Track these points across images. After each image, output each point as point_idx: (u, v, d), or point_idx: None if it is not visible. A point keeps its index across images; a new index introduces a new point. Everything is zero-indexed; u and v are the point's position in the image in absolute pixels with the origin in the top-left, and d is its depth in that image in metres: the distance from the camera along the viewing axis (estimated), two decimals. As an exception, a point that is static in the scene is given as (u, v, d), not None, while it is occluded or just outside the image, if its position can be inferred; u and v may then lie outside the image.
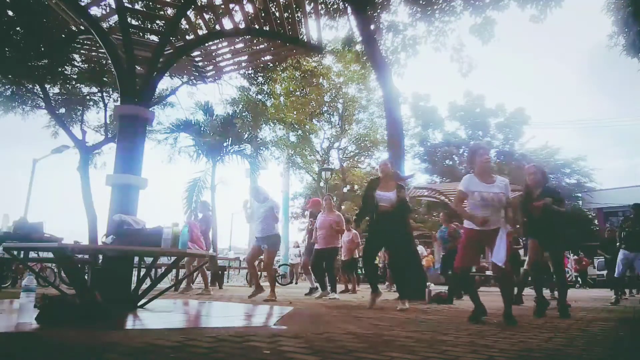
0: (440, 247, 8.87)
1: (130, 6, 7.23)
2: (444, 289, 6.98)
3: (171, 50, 5.93)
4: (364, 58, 10.51)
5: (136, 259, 5.96)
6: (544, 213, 4.45)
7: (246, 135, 16.49)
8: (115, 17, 5.92)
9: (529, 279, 5.41)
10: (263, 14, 6.22)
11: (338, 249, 7.26)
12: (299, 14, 6.61)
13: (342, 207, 22.67)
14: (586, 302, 7.57)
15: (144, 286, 4.49)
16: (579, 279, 19.19)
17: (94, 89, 12.11)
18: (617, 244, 7.59)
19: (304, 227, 8.46)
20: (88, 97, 12.41)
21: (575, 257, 19.73)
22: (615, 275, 7.62)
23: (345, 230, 7.94)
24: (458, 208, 4.01)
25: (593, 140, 77.22)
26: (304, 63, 13.86)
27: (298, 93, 17.50)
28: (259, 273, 12.65)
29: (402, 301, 4.85)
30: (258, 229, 6.23)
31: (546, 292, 7.25)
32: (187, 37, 6.79)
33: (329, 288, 6.94)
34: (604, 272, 15.49)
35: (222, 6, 6.62)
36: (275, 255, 6.72)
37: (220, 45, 6.74)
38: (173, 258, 5.05)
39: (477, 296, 3.90)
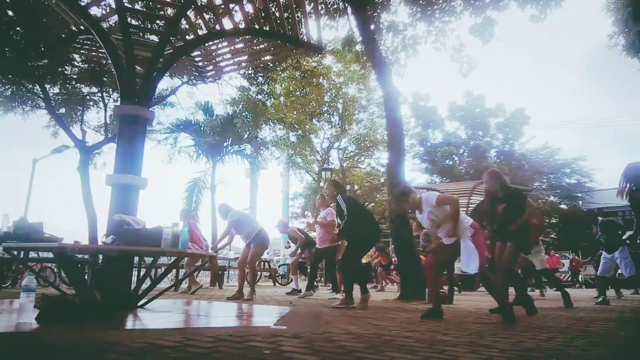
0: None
1: (130, 6, 7.22)
2: (443, 288, 6.98)
3: (171, 50, 5.92)
4: (364, 58, 10.51)
5: (136, 259, 5.96)
6: (503, 216, 4.48)
7: (246, 135, 16.49)
8: (115, 17, 5.92)
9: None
10: (263, 14, 6.22)
11: (336, 247, 7.22)
12: (299, 14, 6.61)
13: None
14: (586, 302, 7.57)
15: (144, 286, 4.49)
16: (579, 278, 19.22)
17: (94, 89, 12.11)
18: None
19: (304, 227, 8.51)
20: (88, 97, 12.41)
21: (571, 257, 19.77)
22: (598, 274, 7.73)
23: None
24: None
25: (593, 140, 77.29)
26: (304, 63, 13.85)
27: (298, 93, 17.49)
28: (259, 274, 12.70)
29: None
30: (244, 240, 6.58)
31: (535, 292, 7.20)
32: (187, 37, 6.79)
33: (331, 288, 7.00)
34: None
35: (222, 6, 6.62)
36: (260, 253, 6.79)
37: (220, 45, 6.74)
38: (173, 258, 5.05)
39: (439, 297, 4.17)
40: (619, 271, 7.63)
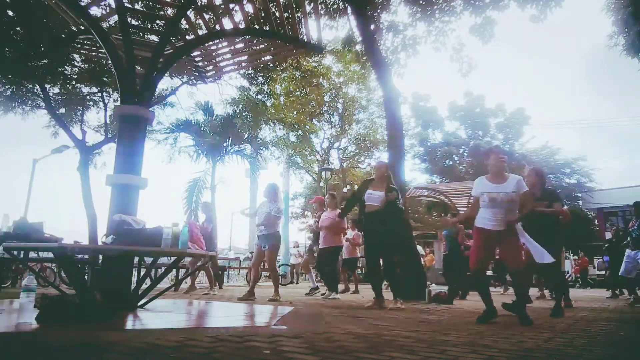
0: (445, 246, 8.87)
1: (130, 6, 7.21)
2: (444, 289, 6.98)
3: (171, 50, 5.92)
4: (364, 58, 10.51)
5: (136, 259, 5.95)
6: (538, 217, 4.40)
7: (246, 135, 16.48)
8: (115, 17, 5.92)
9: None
10: (263, 14, 6.21)
11: (339, 248, 7.22)
12: (299, 14, 6.60)
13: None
14: (586, 302, 7.57)
15: (144, 286, 4.49)
16: (579, 279, 19.20)
17: (94, 89, 12.09)
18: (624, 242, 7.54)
19: (304, 227, 8.51)
20: (88, 97, 12.39)
21: (575, 257, 19.74)
22: (620, 274, 7.47)
23: (347, 229, 7.95)
24: (471, 212, 4.06)
25: (593, 140, 77.28)
26: (304, 63, 13.84)
27: (298, 93, 17.49)
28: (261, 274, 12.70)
29: (396, 301, 4.87)
30: (260, 229, 6.32)
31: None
32: (187, 37, 6.79)
33: (327, 288, 6.95)
34: (604, 272, 15.48)
35: (222, 6, 6.62)
36: (276, 254, 6.67)
37: (220, 45, 6.74)
38: (173, 258, 5.05)
39: (489, 298, 3.88)
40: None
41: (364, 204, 5.10)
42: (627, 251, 7.29)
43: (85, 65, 10.75)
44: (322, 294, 7.06)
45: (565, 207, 5.99)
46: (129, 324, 3.30)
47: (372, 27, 8.78)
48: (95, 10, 6.79)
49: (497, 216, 3.72)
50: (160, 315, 3.82)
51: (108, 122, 12.48)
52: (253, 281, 6.62)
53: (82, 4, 5.45)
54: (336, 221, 6.83)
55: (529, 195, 3.86)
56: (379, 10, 9.69)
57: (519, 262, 3.87)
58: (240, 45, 7.01)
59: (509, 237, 3.75)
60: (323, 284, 7.36)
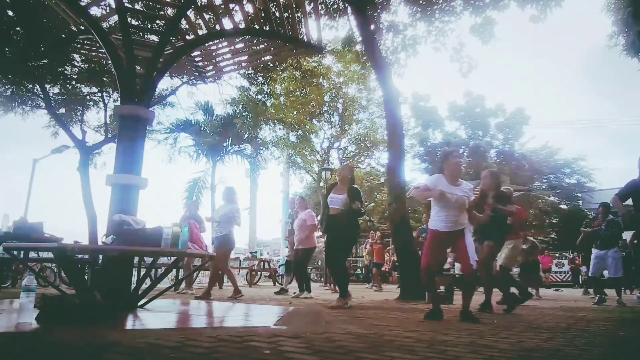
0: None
1: (130, 6, 7.21)
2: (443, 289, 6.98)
3: (171, 50, 5.92)
4: (364, 58, 10.50)
5: (136, 259, 5.96)
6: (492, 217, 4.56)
7: (246, 135, 16.50)
8: (115, 17, 5.92)
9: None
10: (263, 14, 6.21)
11: (312, 249, 7.26)
12: (299, 14, 6.60)
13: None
14: (585, 302, 7.58)
15: (144, 286, 4.49)
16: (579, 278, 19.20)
17: (94, 89, 12.09)
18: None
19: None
20: (88, 97, 12.39)
21: (571, 256, 19.73)
22: (591, 274, 7.71)
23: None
24: (419, 197, 4.20)
25: (593, 141, 77.33)
26: (304, 63, 13.83)
27: (298, 93, 17.48)
28: (259, 274, 12.71)
29: (339, 299, 4.98)
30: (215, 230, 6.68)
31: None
32: (187, 37, 6.79)
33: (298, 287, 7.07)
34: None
35: (222, 6, 6.62)
36: (226, 255, 6.82)
37: (220, 45, 6.74)
38: (173, 258, 5.05)
39: (437, 298, 4.06)
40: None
41: (327, 207, 5.25)
42: (595, 251, 7.39)
43: (85, 65, 10.74)
44: (294, 294, 7.11)
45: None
46: (129, 324, 3.30)
47: (372, 27, 8.78)
48: (95, 10, 6.79)
49: (450, 218, 3.86)
50: (160, 315, 3.82)
51: (108, 122, 12.48)
52: (210, 282, 6.95)
53: (82, 4, 5.45)
54: (305, 223, 7.01)
55: (472, 204, 4.03)
56: (379, 10, 9.68)
57: (466, 266, 3.93)
58: (240, 45, 7.01)
59: (460, 239, 3.88)
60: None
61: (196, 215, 7.69)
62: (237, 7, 6.52)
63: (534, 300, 7.96)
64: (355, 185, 5.32)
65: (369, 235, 13.99)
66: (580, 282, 18.94)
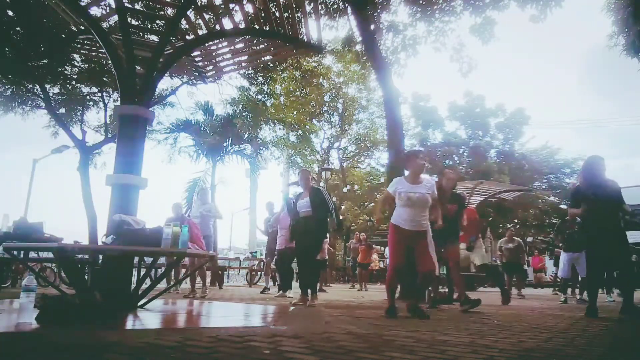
0: None
1: (130, 6, 7.21)
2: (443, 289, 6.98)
3: (171, 50, 5.92)
4: (364, 58, 10.50)
5: (136, 259, 5.96)
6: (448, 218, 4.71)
7: (246, 135, 16.48)
8: (115, 17, 5.92)
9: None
10: (263, 14, 6.21)
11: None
12: (299, 14, 6.60)
13: (342, 207, 22.67)
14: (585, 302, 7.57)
15: (144, 286, 4.49)
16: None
17: (94, 89, 12.10)
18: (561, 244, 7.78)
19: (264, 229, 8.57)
20: (88, 97, 12.40)
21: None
22: (562, 276, 7.87)
23: None
24: (381, 207, 4.50)
25: (593, 141, 77.35)
26: (304, 63, 13.85)
27: (298, 93, 17.49)
28: (259, 274, 12.70)
29: (304, 297, 5.22)
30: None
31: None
32: (187, 37, 6.79)
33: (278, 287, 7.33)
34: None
35: (222, 6, 6.62)
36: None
37: (220, 45, 6.74)
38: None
39: (394, 296, 4.18)
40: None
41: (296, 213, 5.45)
42: (564, 254, 7.56)
43: (85, 65, 10.74)
44: (277, 295, 7.14)
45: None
46: (129, 324, 3.30)
47: (372, 27, 8.78)
48: (95, 10, 6.80)
49: (414, 217, 3.94)
50: (160, 315, 3.82)
51: (108, 122, 12.49)
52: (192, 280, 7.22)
53: (82, 4, 5.45)
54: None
55: (436, 200, 4.14)
56: (379, 10, 9.68)
57: (430, 265, 3.99)
58: (240, 45, 7.01)
59: (422, 239, 3.97)
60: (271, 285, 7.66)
61: (181, 216, 7.57)
62: (237, 7, 6.52)
63: (518, 299, 8.01)
64: (316, 186, 5.58)
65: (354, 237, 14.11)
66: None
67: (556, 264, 10.09)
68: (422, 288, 4.17)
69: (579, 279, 7.70)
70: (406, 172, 4.21)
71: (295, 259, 6.41)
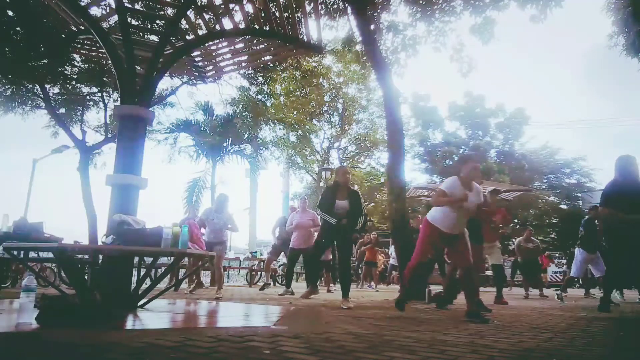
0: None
1: (130, 6, 7.21)
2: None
3: (171, 50, 5.92)
4: (364, 58, 10.49)
5: (136, 259, 5.96)
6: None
7: (246, 135, 16.49)
8: (115, 17, 5.92)
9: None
10: (263, 14, 6.21)
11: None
12: (299, 14, 6.60)
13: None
14: (586, 301, 7.57)
15: (144, 286, 4.49)
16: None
17: (94, 89, 12.10)
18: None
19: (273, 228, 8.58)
20: (88, 97, 12.41)
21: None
22: (574, 275, 7.78)
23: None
24: (438, 203, 4.13)
25: (593, 141, 77.37)
26: (304, 63, 13.83)
27: (298, 93, 17.48)
28: (259, 274, 12.70)
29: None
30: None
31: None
32: (187, 37, 6.79)
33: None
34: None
35: (222, 6, 6.61)
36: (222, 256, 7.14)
37: (220, 45, 6.73)
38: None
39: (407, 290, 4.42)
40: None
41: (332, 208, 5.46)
42: (583, 253, 7.40)
43: (85, 65, 10.75)
44: (280, 294, 7.21)
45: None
46: (129, 324, 3.30)
47: (372, 27, 8.77)
48: (95, 10, 6.79)
49: (458, 221, 3.93)
50: (160, 315, 3.82)
51: (108, 122, 12.49)
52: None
53: (82, 4, 5.45)
54: (312, 221, 7.30)
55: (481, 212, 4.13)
56: (379, 10, 9.67)
57: (470, 260, 4.06)
58: (240, 45, 7.01)
59: (460, 238, 4.01)
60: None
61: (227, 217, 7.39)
62: (237, 7, 6.52)
63: (535, 299, 7.98)
64: (355, 189, 5.55)
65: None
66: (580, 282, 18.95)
67: (569, 263, 10.00)
68: (466, 284, 4.07)
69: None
70: (460, 174, 3.98)
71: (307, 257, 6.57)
